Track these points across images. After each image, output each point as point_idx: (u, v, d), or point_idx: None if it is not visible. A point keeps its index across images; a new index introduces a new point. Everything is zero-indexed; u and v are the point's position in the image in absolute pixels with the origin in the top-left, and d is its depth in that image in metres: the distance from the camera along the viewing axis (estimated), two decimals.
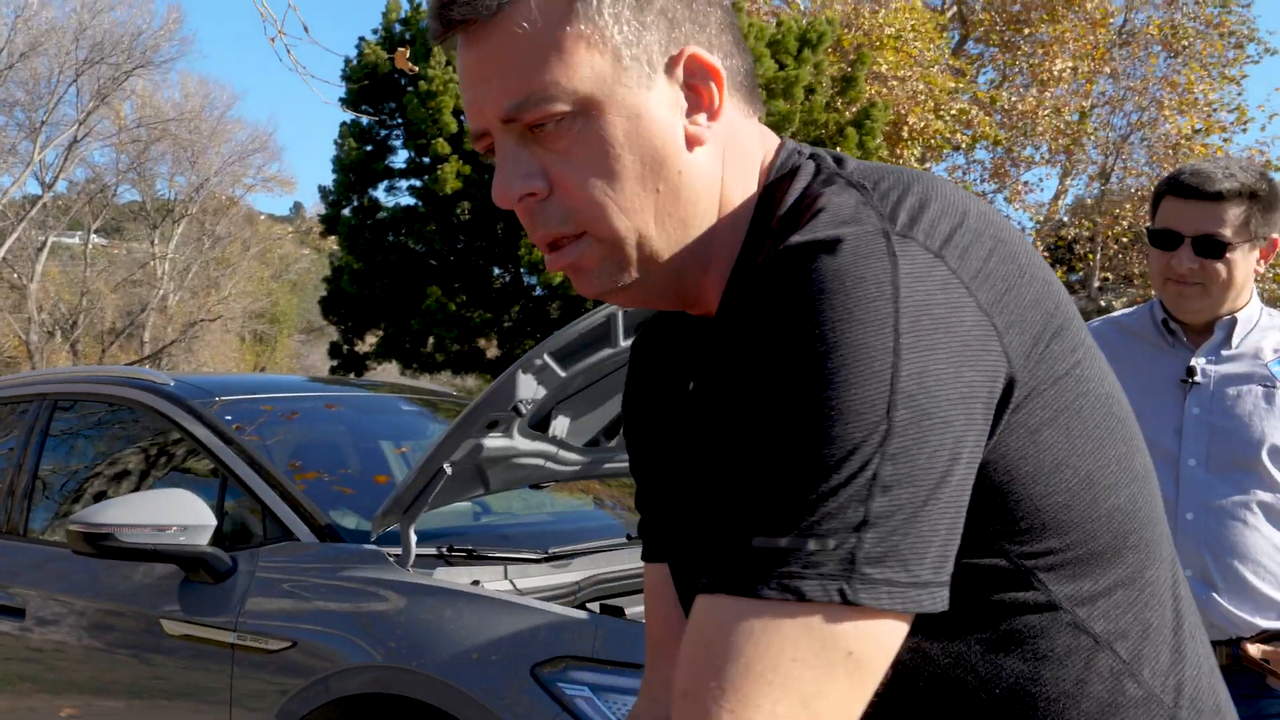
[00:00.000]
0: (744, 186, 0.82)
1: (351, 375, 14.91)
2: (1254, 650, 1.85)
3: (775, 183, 0.81)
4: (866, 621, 0.65)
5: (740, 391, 0.69)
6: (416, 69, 4.90)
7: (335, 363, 15.42)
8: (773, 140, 0.86)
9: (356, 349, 15.36)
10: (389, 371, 16.67)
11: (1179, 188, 1.90)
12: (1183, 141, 17.73)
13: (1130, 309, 2.09)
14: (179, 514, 2.56)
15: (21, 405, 3.50)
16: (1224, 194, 1.86)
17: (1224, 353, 1.94)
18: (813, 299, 0.66)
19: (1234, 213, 1.87)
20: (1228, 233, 1.87)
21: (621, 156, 0.77)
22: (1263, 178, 1.90)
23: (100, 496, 3.12)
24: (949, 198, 0.74)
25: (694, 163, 0.79)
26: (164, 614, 2.63)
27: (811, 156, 0.82)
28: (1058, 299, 0.76)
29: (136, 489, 3.10)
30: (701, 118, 0.79)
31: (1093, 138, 19.24)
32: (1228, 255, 1.88)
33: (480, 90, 0.78)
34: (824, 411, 0.65)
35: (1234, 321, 1.94)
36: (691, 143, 0.78)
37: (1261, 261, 1.94)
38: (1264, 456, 1.87)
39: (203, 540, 2.56)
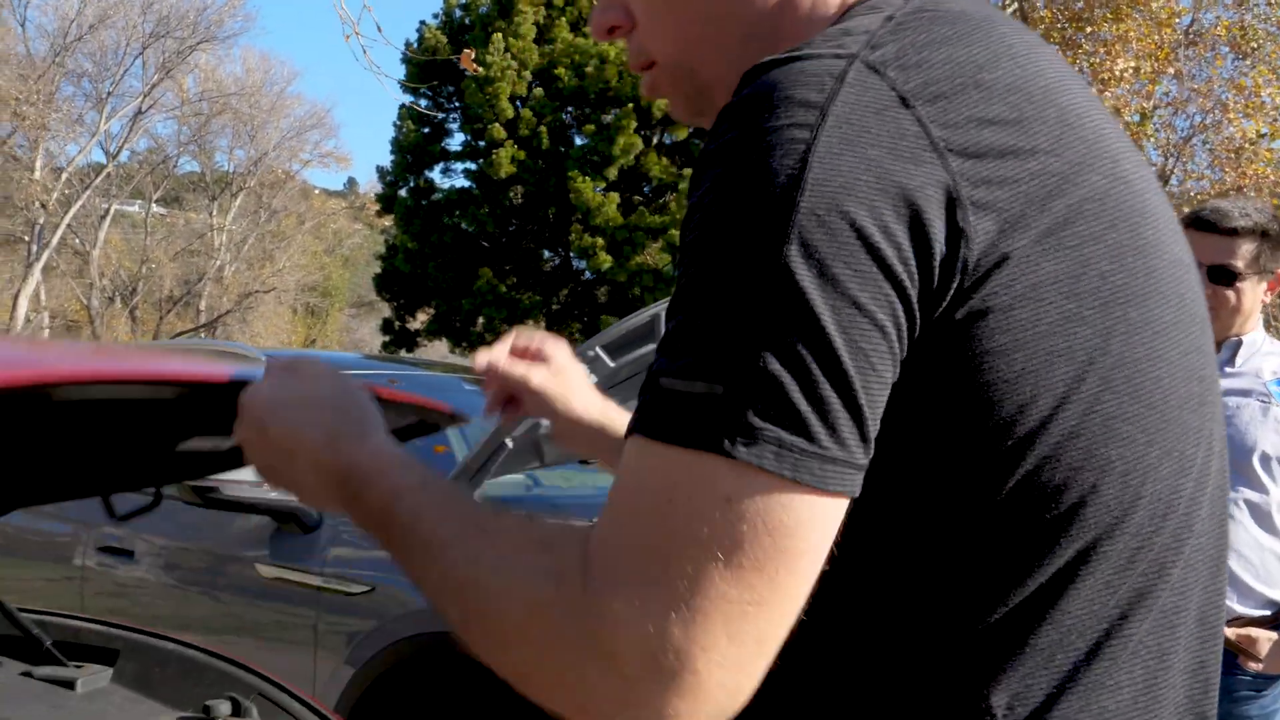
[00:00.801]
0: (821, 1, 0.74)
1: (403, 352, 15.31)
2: (1229, 633, 2.08)
3: None
4: (767, 488, 0.56)
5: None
6: (480, 69, 5.23)
7: (387, 338, 15.80)
8: None
9: (408, 326, 15.72)
10: (438, 349, 17.06)
11: (1199, 222, 2.17)
12: (1247, 145, 17.48)
13: None
14: None
15: None
16: (1238, 230, 2.14)
17: (1228, 369, 2.17)
18: (734, 121, 0.61)
19: (1246, 247, 2.14)
20: (1240, 264, 2.14)
21: None
22: (1275, 219, 2.18)
23: None
24: (973, 51, 0.64)
25: None
26: (258, 559, 3.00)
27: None
28: (1086, 199, 0.63)
29: None
30: None
31: (1153, 139, 19.10)
32: (1238, 284, 2.15)
33: None
34: (716, 247, 0.59)
35: (1239, 343, 2.19)
36: None
37: (1269, 292, 2.21)
38: (1255, 462, 2.12)
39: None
